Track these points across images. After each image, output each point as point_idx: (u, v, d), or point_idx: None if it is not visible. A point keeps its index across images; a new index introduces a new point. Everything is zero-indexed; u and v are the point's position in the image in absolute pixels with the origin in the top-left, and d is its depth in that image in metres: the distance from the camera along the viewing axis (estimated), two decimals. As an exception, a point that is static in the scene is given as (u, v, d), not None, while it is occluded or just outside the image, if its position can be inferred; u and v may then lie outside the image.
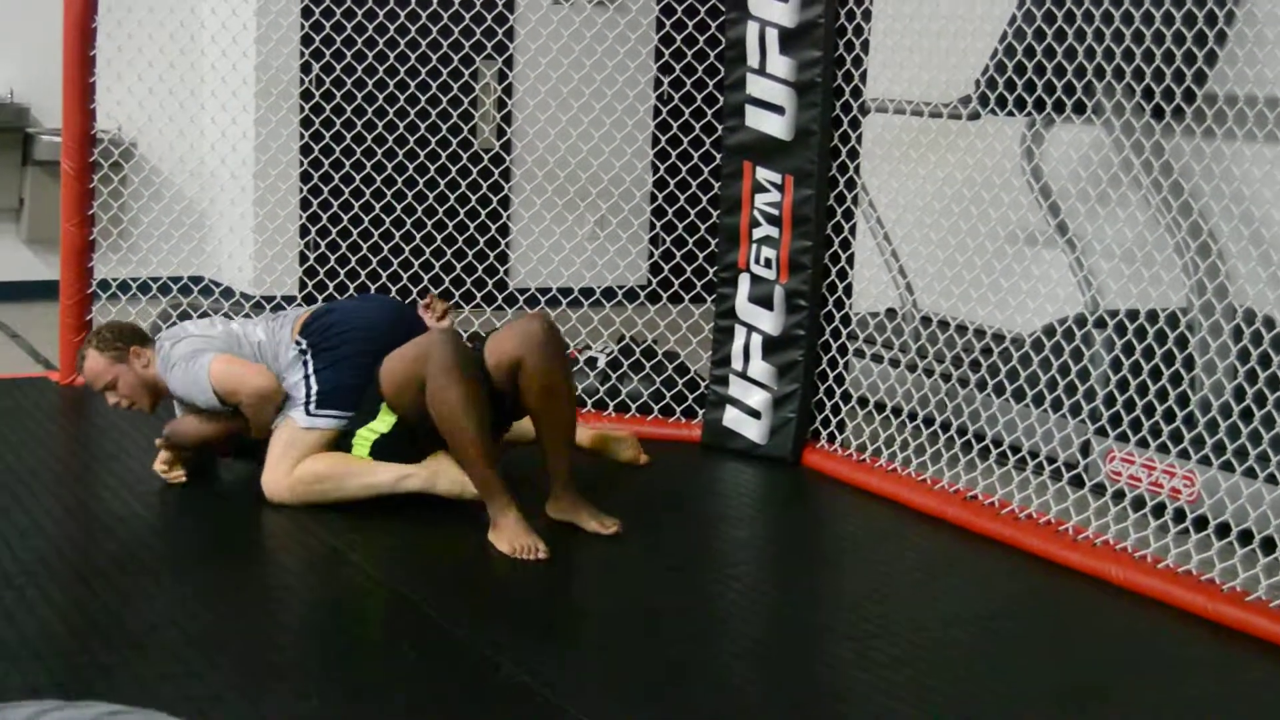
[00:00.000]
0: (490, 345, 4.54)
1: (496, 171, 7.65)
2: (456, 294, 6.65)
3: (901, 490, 5.05)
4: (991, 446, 5.22)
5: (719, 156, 5.60)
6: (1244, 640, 3.91)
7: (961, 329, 6.35)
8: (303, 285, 8.04)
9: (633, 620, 3.97)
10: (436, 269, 6.65)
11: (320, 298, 7.46)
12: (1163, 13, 4.70)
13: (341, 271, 6.81)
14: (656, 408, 5.85)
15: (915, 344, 6.21)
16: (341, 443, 4.65)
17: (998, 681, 3.67)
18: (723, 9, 5.55)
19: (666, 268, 6.62)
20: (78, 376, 5.85)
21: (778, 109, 5.35)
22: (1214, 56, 5.26)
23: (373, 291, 6.70)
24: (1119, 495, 4.92)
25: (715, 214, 5.69)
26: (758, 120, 5.40)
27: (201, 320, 4.98)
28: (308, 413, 4.63)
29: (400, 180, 6.91)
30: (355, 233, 6.87)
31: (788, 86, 5.32)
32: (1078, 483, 5.02)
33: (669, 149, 6.54)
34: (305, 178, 7.92)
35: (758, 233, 5.45)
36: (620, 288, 7.48)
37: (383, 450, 4.60)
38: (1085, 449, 5.30)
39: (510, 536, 4.31)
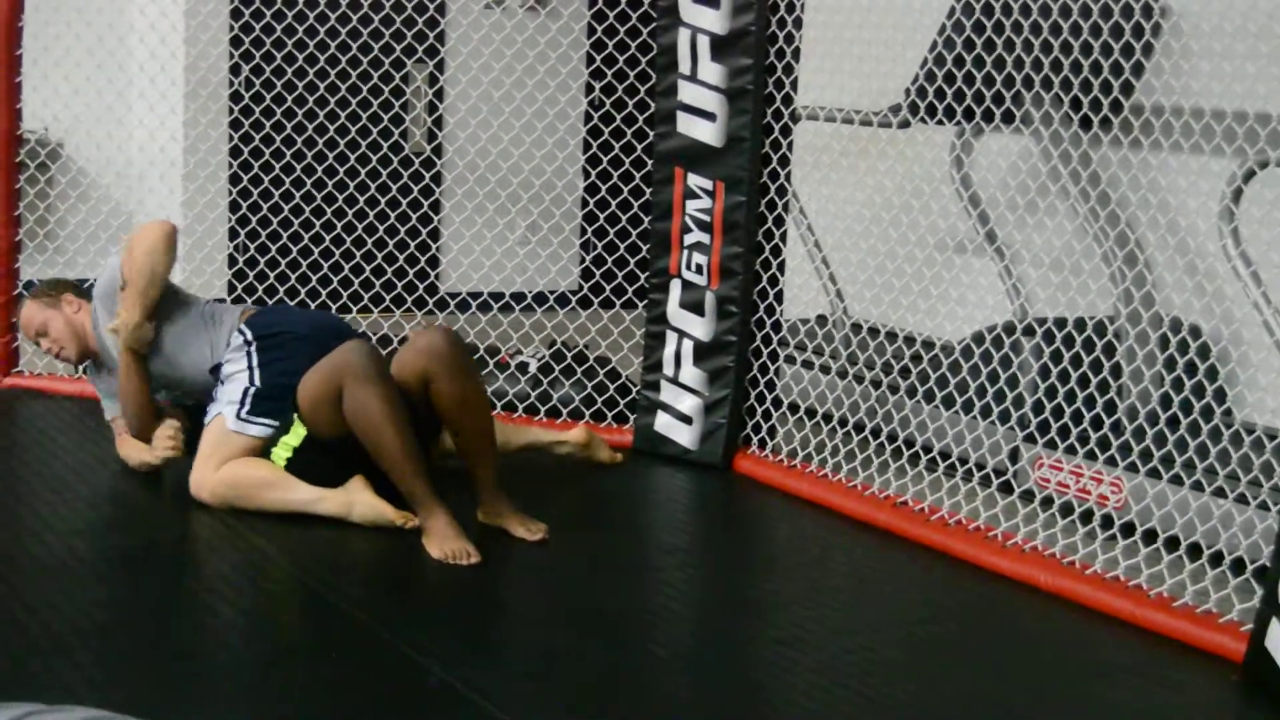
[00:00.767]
0: (396, 362, 4.52)
1: (428, 175, 7.62)
2: (386, 298, 6.62)
3: (831, 496, 5.06)
4: (921, 453, 5.25)
5: (650, 162, 5.61)
6: (1170, 645, 3.95)
7: (891, 336, 6.39)
8: (231, 288, 7.98)
9: (563, 625, 3.96)
10: (367, 273, 6.63)
11: (250, 301, 7.41)
12: (1090, 24, 4.75)
13: (271, 274, 6.77)
14: (588, 413, 5.85)
15: (846, 350, 6.24)
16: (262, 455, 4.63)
17: (925, 687, 3.69)
18: (654, 15, 5.56)
19: (598, 273, 6.61)
20: (4, 378, 5.82)
21: (709, 115, 5.36)
22: (1140, 68, 5.32)
23: (302, 295, 6.66)
24: (1047, 501, 4.96)
25: (647, 219, 5.69)
26: (689, 127, 5.40)
27: None
28: (238, 416, 4.60)
29: (331, 183, 6.88)
30: (285, 236, 6.83)
31: (719, 93, 5.33)
32: (1006, 489, 5.06)
33: (600, 154, 6.54)
34: (234, 180, 7.86)
35: (689, 239, 5.46)
36: (552, 292, 7.46)
37: (296, 465, 4.57)
38: (1014, 455, 5.34)
39: (440, 541, 4.30)
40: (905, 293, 5.87)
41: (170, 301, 4.85)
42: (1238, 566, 4.14)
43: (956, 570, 4.51)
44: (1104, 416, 4.96)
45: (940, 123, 5.73)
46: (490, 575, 4.25)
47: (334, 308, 6.61)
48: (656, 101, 5.52)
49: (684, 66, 5.38)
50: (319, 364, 4.50)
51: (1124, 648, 3.97)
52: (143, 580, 4.11)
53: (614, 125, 6.19)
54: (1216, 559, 4.27)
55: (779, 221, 5.44)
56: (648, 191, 5.64)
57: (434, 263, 8.03)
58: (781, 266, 5.48)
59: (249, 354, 4.69)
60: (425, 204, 7.08)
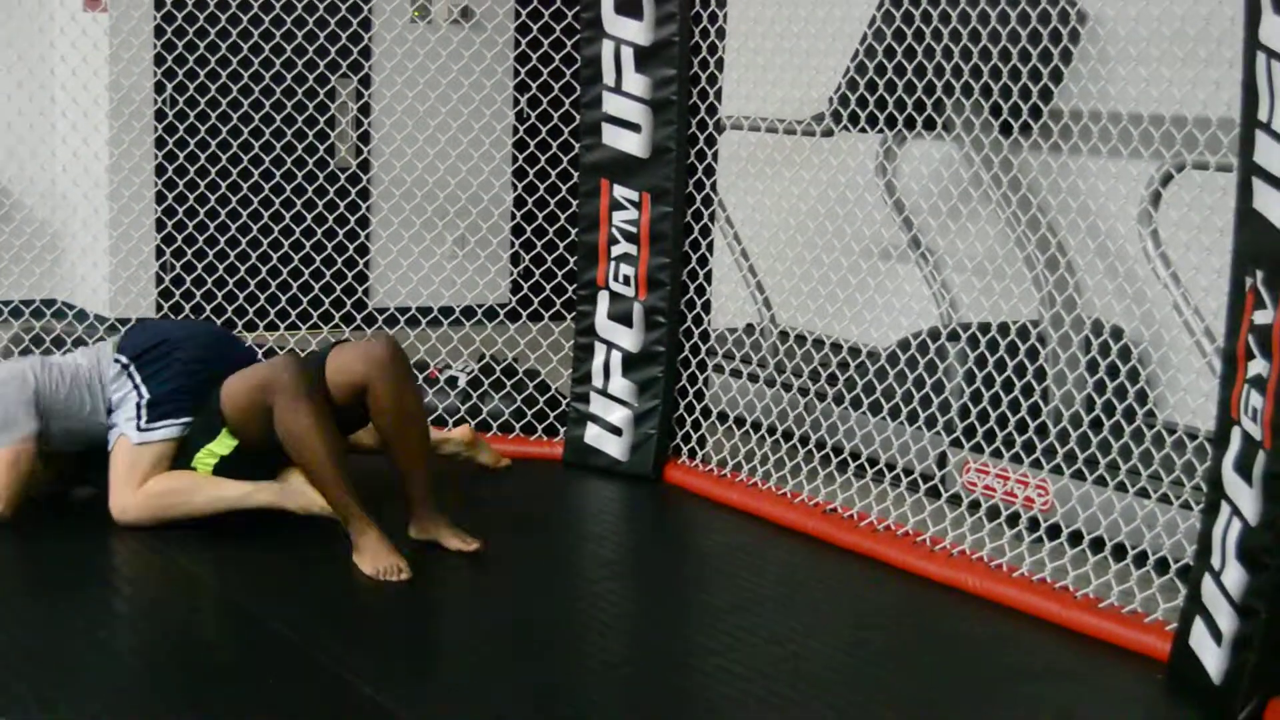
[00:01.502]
0: (334, 363, 4.49)
1: (354, 190, 7.60)
2: (315, 314, 6.60)
3: (762, 505, 5.08)
4: (850, 459, 5.28)
5: (576, 174, 5.62)
6: (1097, 645, 3.99)
7: (819, 343, 6.42)
8: (159, 307, 7.93)
9: (496, 639, 3.96)
10: (295, 289, 6.60)
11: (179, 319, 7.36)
12: (1009, 30, 4.80)
13: (198, 293, 6.73)
14: (518, 426, 5.85)
15: (774, 359, 6.26)
16: (182, 463, 4.60)
17: (856, 692, 3.71)
18: (578, 27, 5.57)
19: (526, 286, 6.60)
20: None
21: (634, 127, 5.37)
22: (1059, 73, 5.37)
23: (229, 314, 6.63)
24: (975, 505, 5.01)
25: (574, 232, 5.70)
26: (614, 138, 5.42)
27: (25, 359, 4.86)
28: (139, 428, 4.57)
29: (257, 200, 6.84)
30: (211, 253, 6.80)
31: (643, 104, 5.35)
32: (935, 494, 5.09)
33: (527, 167, 6.54)
34: (160, 198, 7.81)
35: (616, 250, 5.47)
36: (480, 306, 7.46)
37: (225, 472, 4.56)
38: (941, 460, 5.38)
39: (372, 558, 4.29)
40: (832, 300, 5.90)
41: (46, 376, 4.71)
42: (1162, 566, 4.18)
43: (886, 575, 4.54)
44: (1029, 420, 5.00)
45: (863, 130, 5.77)
46: (422, 591, 4.25)
47: (262, 325, 6.59)
48: (581, 113, 5.53)
49: (608, 78, 5.39)
50: (245, 374, 4.50)
51: (1052, 649, 4.01)
52: (70, 604, 4.07)
53: (539, 137, 6.20)
54: (1141, 559, 4.32)
55: (705, 231, 5.47)
56: (574, 203, 5.65)
57: (362, 278, 8.01)
58: (709, 276, 5.50)
59: (129, 375, 4.66)
60: (353, 219, 7.05)
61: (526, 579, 4.45)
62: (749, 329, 6.80)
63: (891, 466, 5.16)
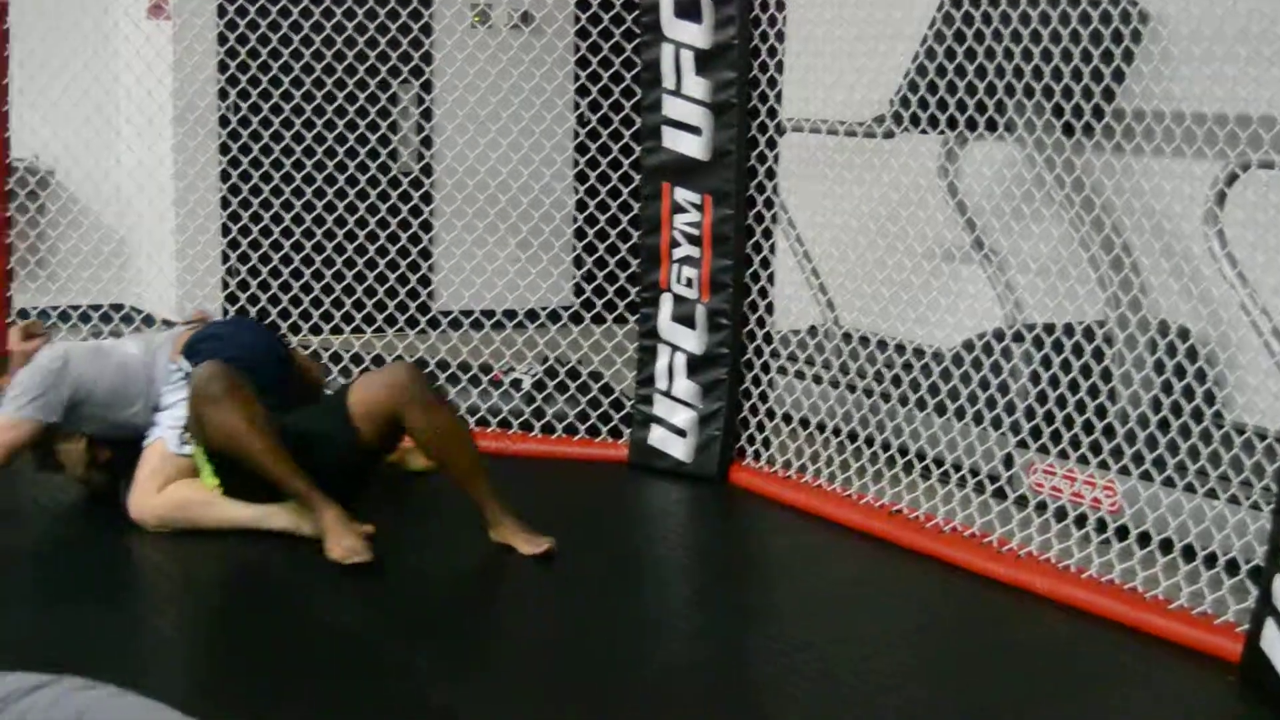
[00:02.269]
0: (356, 397, 4.56)
1: (417, 195, 7.62)
2: (379, 318, 6.64)
3: (827, 506, 5.09)
4: (915, 461, 5.27)
5: (638, 177, 5.63)
6: (1166, 647, 3.97)
7: (883, 345, 6.41)
8: (225, 311, 7.99)
9: (560, 639, 3.98)
10: (359, 293, 6.64)
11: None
12: (1070, 31, 4.78)
13: (263, 296, 6.78)
14: (582, 428, 5.87)
15: (837, 360, 6.25)
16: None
17: (923, 694, 3.71)
18: (638, 31, 5.59)
19: (589, 288, 6.62)
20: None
21: (694, 130, 5.39)
22: (1121, 73, 5.35)
23: (294, 318, 6.67)
24: (1042, 507, 4.99)
25: (636, 234, 5.72)
26: (675, 141, 5.43)
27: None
28: (181, 440, 4.61)
29: (320, 205, 6.89)
30: (276, 258, 6.85)
31: (704, 107, 5.36)
32: (1001, 495, 5.08)
33: (588, 170, 6.56)
34: (224, 203, 7.87)
35: (678, 253, 5.48)
36: (544, 309, 7.47)
37: (222, 474, 4.61)
38: (1008, 462, 5.36)
39: (337, 538, 4.35)
40: (895, 302, 5.89)
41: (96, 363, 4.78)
42: (1232, 568, 4.16)
43: (952, 577, 4.53)
44: (1095, 421, 4.98)
45: (925, 132, 5.76)
46: (488, 590, 4.28)
47: (327, 329, 6.63)
48: (642, 117, 5.54)
49: (668, 81, 5.40)
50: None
51: (1120, 651, 4.00)
52: (79, 603, 4.11)
53: (600, 141, 6.21)
54: (1211, 560, 4.29)
55: (767, 234, 5.47)
56: (636, 207, 5.66)
57: (425, 282, 8.05)
58: (771, 278, 5.51)
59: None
60: (415, 223, 7.08)
61: (591, 580, 4.47)
62: (812, 331, 6.79)
63: (957, 468, 5.15)
